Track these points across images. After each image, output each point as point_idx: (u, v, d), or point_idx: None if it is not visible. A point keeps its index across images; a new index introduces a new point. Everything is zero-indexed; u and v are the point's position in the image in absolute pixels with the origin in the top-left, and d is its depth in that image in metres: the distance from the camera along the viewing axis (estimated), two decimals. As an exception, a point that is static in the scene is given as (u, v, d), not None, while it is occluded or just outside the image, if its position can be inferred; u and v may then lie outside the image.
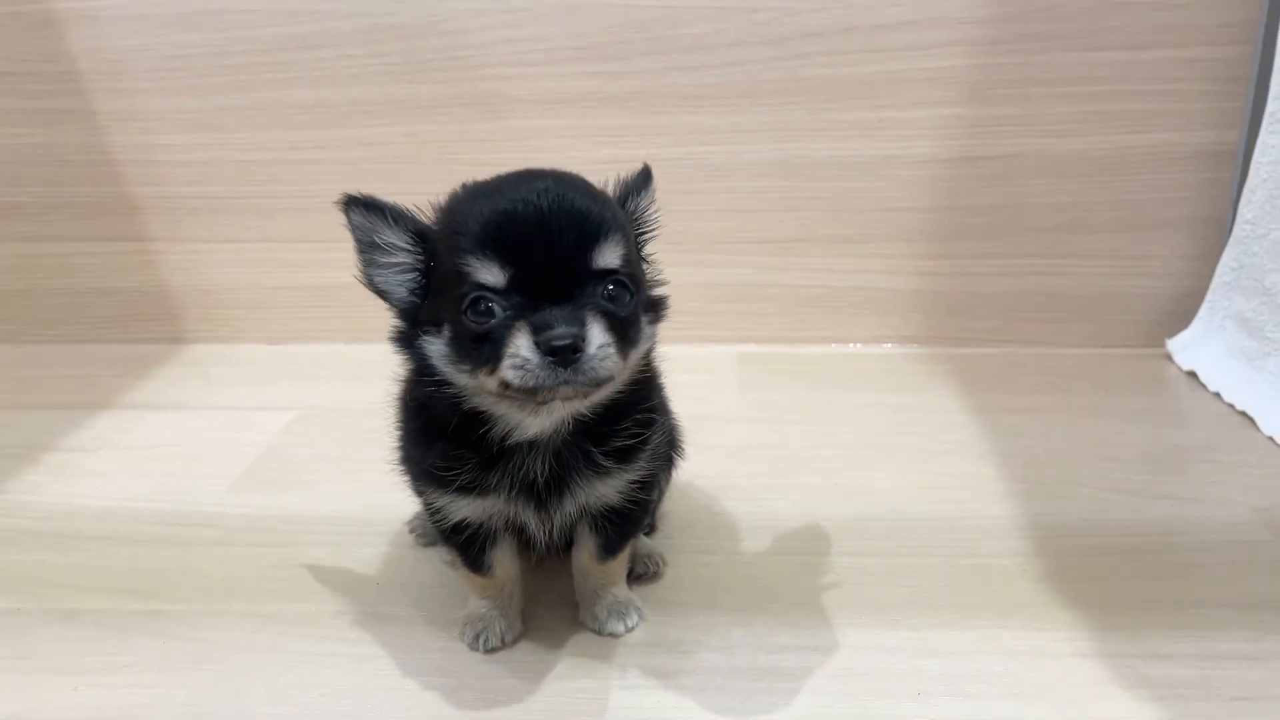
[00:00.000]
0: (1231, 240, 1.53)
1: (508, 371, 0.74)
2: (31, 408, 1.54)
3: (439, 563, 1.09)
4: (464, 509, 0.89)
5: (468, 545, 0.93)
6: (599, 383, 0.77)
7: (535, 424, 0.82)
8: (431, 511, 0.93)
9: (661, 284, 0.89)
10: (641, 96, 1.60)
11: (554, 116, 1.61)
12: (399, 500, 1.17)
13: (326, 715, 0.87)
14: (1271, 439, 1.33)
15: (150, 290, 1.75)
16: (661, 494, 1.11)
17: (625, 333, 0.78)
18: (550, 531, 0.90)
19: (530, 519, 0.89)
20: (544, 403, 0.79)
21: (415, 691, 0.89)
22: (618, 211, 0.82)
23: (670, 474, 1.10)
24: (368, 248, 0.82)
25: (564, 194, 0.76)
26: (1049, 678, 0.89)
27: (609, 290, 0.77)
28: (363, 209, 0.81)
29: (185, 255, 1.73)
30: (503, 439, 0.83)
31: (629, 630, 0.96)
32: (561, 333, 0.72)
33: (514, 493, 0.86)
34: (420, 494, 0.94)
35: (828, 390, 1.55)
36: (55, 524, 1.19)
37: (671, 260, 1.66)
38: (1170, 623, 0.97)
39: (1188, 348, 1.59)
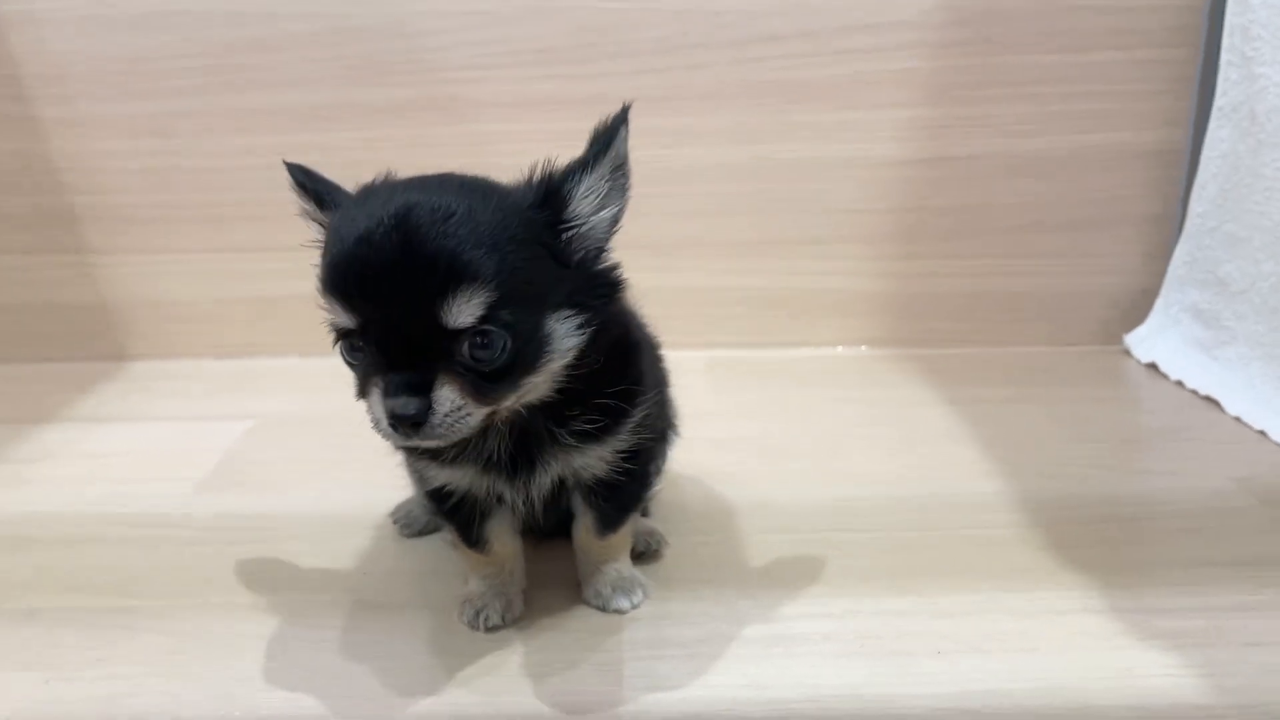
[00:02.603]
0: (1184, 235, 1.58)
1: (370, 421, 0.72)
2: (-33, 423, 1.45)
3: (425, 551, 1.05)
4: (439, 475, 0.86)
5: (458, 515, 0.89)
6: (462, 436, 0.72)
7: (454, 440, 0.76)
8: (417, 476, 0.90)
9: (615, 266, 0.82)
10: (605, 99, 1.54)
11: (517, 120, 1.59)
12: (375, 496, 1.15)
13: (318, 694, 0.81)
14: (1238, 418, 1.36)
15: (92, 305, 1.68)
16: (659, 471, 1.08)
17: (497, 384, 0.72)
18: (530, 503, 0.87)
19: (504, 490, 0.85)
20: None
21: (413, 670, 0.84)
22: (496, 245, 0.70)
23: (666, 451, 1.08)
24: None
25: (413, 233, 0.68)
26: (1064, 633, 0.89)
27: (474, 342, 0.70)
28: (297, 187, 0.80)
29: (131, 267, 1.66)
30: None
31: (634, 607, 0.93)
32: (403, 403, 0.68)
33: (482, 465, 0.83)
34: (405, 457, 0.90)
35: (799, 388, 1.55)
36: (8, 529, 1.11)
37: (637, 264, 1.66)
38: (1171, 580, 0.97)
39: (1144, 341, 1.63)
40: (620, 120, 0.79)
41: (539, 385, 0.77)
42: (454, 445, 0.81)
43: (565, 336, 0.75)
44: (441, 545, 1.05)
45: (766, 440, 1.33)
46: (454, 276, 0.68)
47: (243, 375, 1.63)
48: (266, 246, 1.64)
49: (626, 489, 0.90)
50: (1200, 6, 1.54)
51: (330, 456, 1.30)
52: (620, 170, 0.79)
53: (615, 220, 0.80)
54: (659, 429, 0.92)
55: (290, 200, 0.77)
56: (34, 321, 1.68)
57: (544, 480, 0.85)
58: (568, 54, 1.57)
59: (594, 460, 0.86)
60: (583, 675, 0.84)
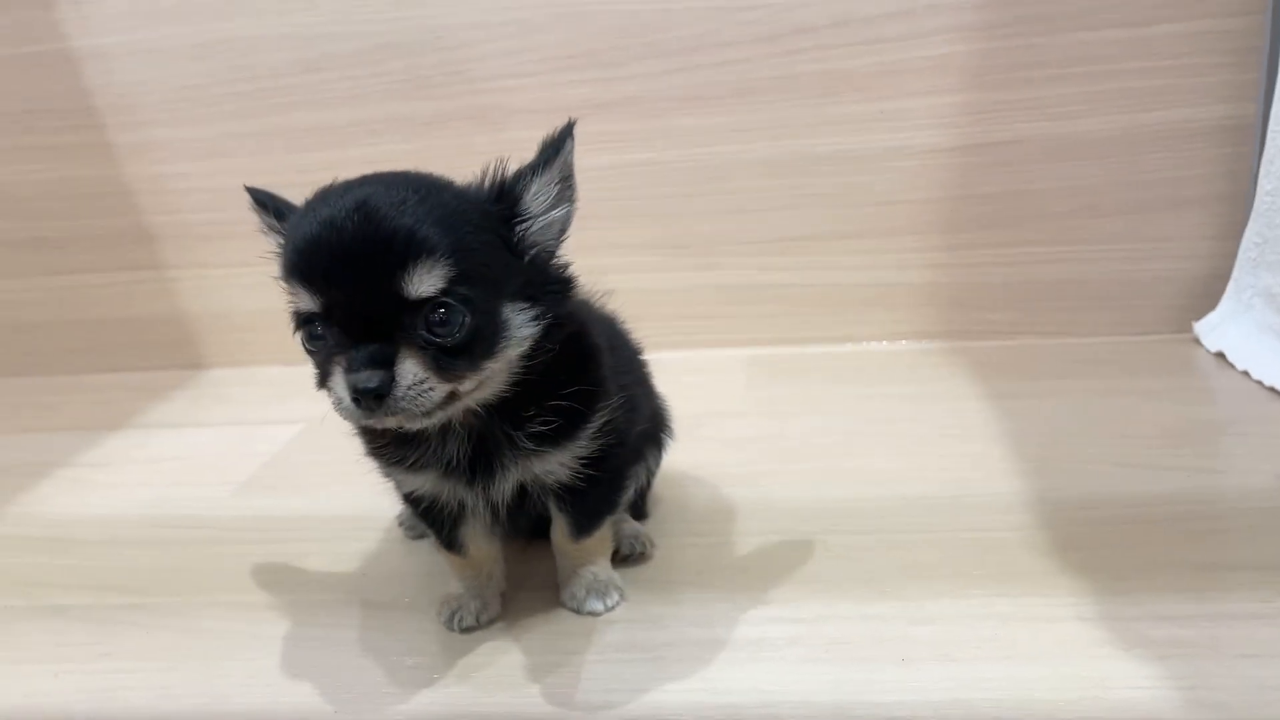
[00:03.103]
0: (1253, 214, 1.48)
1: (331, 402, 0.74)
2: (52, 430, 1.57)
3: (427, 553, 1.08)
4: (405, 482, 0.89)
5: (433, 520, 0.92)
6: (427, 413, 0.74)
7: (414, 423, 0.77)
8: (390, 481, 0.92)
9: (565, 264, 0.85)
10: (638, 101, 1.60)
11: (552, 125, 1.61)
12: (390, 500, 1.18)
13: (296, 694, 0.86)
14: (1300, 410, 1.27)
15: (168, 317, 1.79)
16: (651, 475, 1.09)
17: (456, 360, 0.74)
18: (494, 508, 0.88)
19: (465, 496, 0.87)
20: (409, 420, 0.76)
21: (387, 670, 0.88)
22: (452, 225, 0.73)
23: (659, 455, 1.08)
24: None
25: (372, 213, 0.71)
26: (1044, 641, 0.85)
27: (435, 317, 0.72)
28: (256, 205, 0.84)
29: (201, 281, 1.77)
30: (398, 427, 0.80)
31: (609, 609, 0.94)
32: (366, 376, 0.70)
33: (443, 471, 0.85)
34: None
35: (834, 385, 1.52)
36: (57, 530, 1.20)
37: (675, 264, 1.67)
38: (1179, 585, 0.92)
39: (1215, 329, 1.54)
40: (567, 132, 0.83)
41: (497, 374, 0.79)
42: (415, 450, 0.84)
43: (521, 326, 0.78)
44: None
45: (783, 439, 1.32)
46: (413, 248, 0.71)
47: (305, 381, 1.70)
48: (323, 258, 1.71)
49: (597, 494, 0.91)
50: (1265, -29, 1.44)
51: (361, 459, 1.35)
52: (568, 180, 0.84)
53: (565, 225, 0.83)
54: (626, 434, 0.92)
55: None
56: (116, 334, 1.81)
57: (504, 486, 0.86)
58: (599, 57, 1.58)
59: (554, 466, 0.87)
60: (542, 677, 0.85)
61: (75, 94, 1.67)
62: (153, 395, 1.68)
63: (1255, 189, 1.49)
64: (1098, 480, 1.14)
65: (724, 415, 1.40)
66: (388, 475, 0.90)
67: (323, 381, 0.75)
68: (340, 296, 0.72)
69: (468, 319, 0.73)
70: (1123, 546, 1.00)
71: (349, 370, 0.71)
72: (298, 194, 1.65)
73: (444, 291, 0.72)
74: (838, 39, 1.54)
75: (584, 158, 1.68)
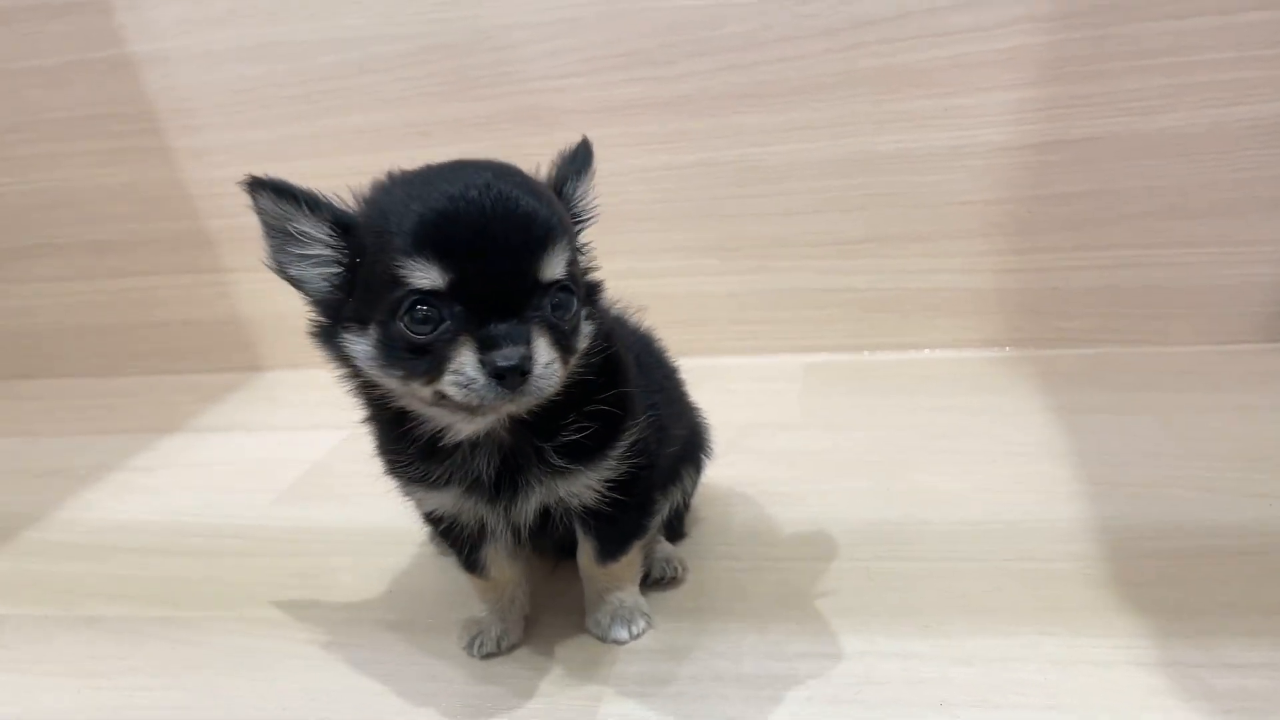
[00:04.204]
0: (1351, 215, 1.37)
1: (449, 386, 0.70)
2: (109, 433, 1.59)
3: (455, 572, 1.06)
4: (426, 500, 0.86)
5: (455, 540, 0.89)
6: (540, 399, 0.72)
7: (468, 428, 0.78)
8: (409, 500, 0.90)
9: (594, 269, 0.83)
10: (691, 100, 1.55)
11: (604, 125, 1.57)
12: (422, 515, 1.17)
13: (308, 717, 0.84)
14: (1400, 431, 1.17)
15: (229, 320, 1.80)
16: (688, 496, 1.04)
17: (568, 342, 0.74)
18: (518, 530, 0.85)
19: (486, 515, 0.84)
20: (480, 414, 0.74)
21: (405, 695, 0.86)
22: (563, 211, 0.76)
23: (696, 476, 1.04)
24: (278, 234, 0.77)
25: (508, 193, 0.70)
26: (1093, 688, 0.79)
27: (556, 300, 0.72)
28: (272, 194, 0.77)
29: (260, 285, 1.76)
30: (436, 438, 0.79)
31: (634, 637, 0.90)
32: (509, 353, 0.68)
33: (466, 488, 0.82)
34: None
35: (892, 395, 1.45)
36: (99, 538, 1.21)
37: (730, 267, 1.62)
38: (1250, 629, 0.85)
39: (1309, 338, 1.43)
40: (588, 147, 0.84)
41: (562, 377, 0.75)
42: (440, 465, 0.81)
43: (584, 325, 0.77)
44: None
45: (835, 454, 1.26)
46: (551, 231, 0.71)
47: (356, 385, 1.70)
48: (376, 261, 1.71)
49: (625, 519, 0.88)
50: (1368, -49, 1.33)
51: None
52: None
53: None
54: (655, 456, 0.88)
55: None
56: (178, 337, 1.83)
57: (527, 506, 0.83)
58: (649, 55, 1.54)
59: (580, 488, 0.83)
60: (558, 711, 0.82)
61: (136, 98, 1.68)
62: (209, 398, 1.69)
63: (1357, 188, 1.38)
64: (1170, 506, 1.06)
65: (774, 426, 1.35)
66: (408, 494, 0.87)
67: (431, 368, 0.70)
68: (476, 273, 0.69)
69: (576, 305, 0.74)
70: (1190, 583, 0.92)
71: (485, 348, 0.69)
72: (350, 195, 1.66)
73: (566, 276, 0.72)
74: (900, 32, 1.47)
75: (637, 158, 1.65)
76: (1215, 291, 1.51)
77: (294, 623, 0.98)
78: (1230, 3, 1.38)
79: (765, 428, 1.34)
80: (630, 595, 0.93)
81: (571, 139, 1.63)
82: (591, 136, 1.62)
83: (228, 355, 1.81)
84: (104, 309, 1.84)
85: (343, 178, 1.69)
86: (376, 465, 1.31)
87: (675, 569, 0.99)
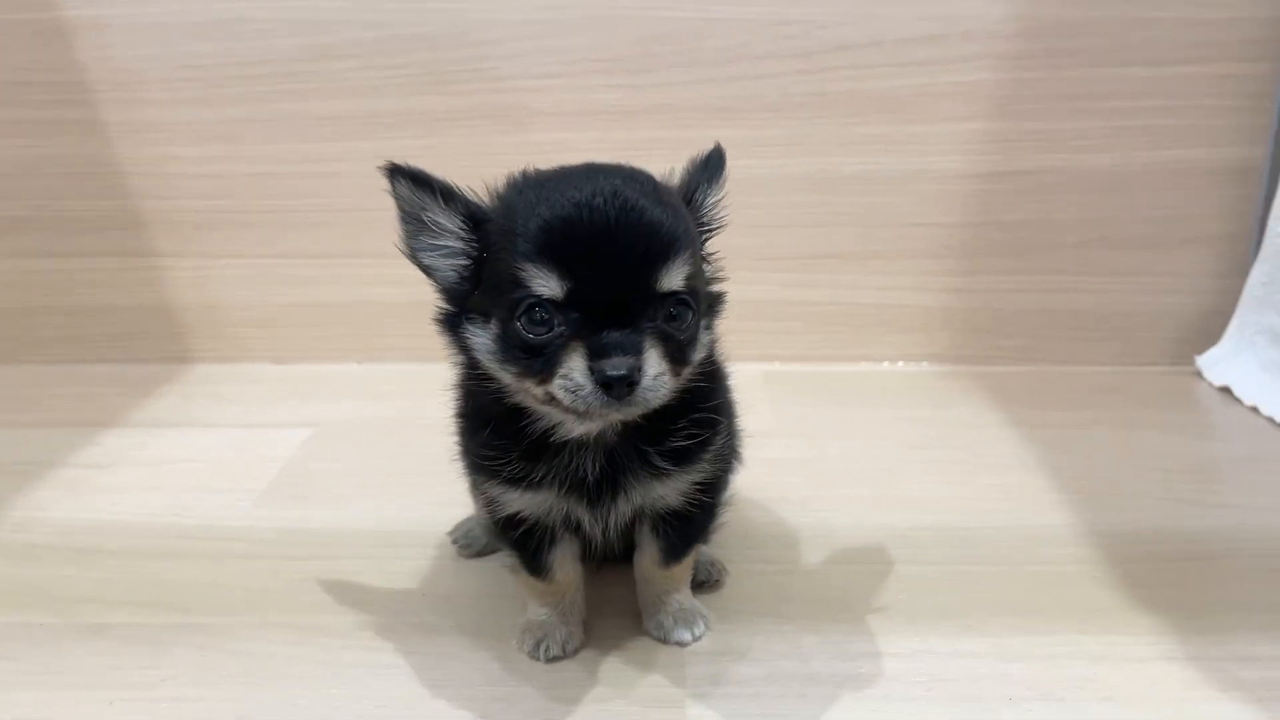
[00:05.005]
0: (1261, 255, 1.53)
1: (557, 390, 0.71)
2: (33, 426, 1.47)
3: (484, 573, 1.05)
4: (515, 502, 0.85)
5: (525, 544, 0.88)
6: (648, 409, 0.74)
7: (581, 427, 0.79)
8: (486, 503, 0.88)
9: (721, 279, 0.85)
10: (667, 110, 1.58)
11: (578, 129, 1.58)
12: (435, 513, 1.15)
13: (385, 727, 0.81)
14: (1317, 450, 1.32)
15: (155, 308, 1.69)
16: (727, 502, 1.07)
17: (682, 354, 0.74)
18: (606, 531, 0.86)
19: (584, 517, 0.84)
20: (589, 418, 0.75)
21: (480, 702, 0.84)
22: (688, 221, 0.76)
23: (730, 480, 1.06)
24: (413, 221, 0.78)
25: (633, 202, 0.70)
26: (1140, 681, 0.86)
27: (671, 311, 0.72)
28: (410, 181, 0.77)
29: (193, 271, 1.68)
30: (547, 435, 0.80)
31: (695, 639, 0.92)
32: (618, 363, 0.68)
33: (565, 489, 0.82)
34: (474, 483, 0.89)
35: (859, 407, 1.52)
36: (73, 539, 1.12)
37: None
38: (1253, 625, 0.94)
39: (1218, 363, 1.58)
40: (722, 154, 0.86)
41: (675, 386, 0.76)
42: (543, 465, 0.81)
43: (703, 335, 0.78)
44: (499, 568, 1.05)
45: (826, 462, 1.31)
46: (673, 241, 0.71)
47: (301, 381, 1.64)
48: (328, 253, 1.65)
49: (696, 520, 0.90)
50: (1283, 20, 1.49)
51: (390, 468, 1.30)
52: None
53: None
54: (730, 459, 0.91)
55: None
56: (96, 323, 1.70)
57: (625, 508, 0.84)
58: (630, 63, 1.55)
59: (671, 491, 0.85)
60: (646, 712, 0.83)
61: (67, 67, 1.56)
62: (140, 390, 1.58)
63: (1260, 229, 1.54)
64: (1145, 514, 1.16)
65: (756, 435, 1.37)
66: (494, 494, 0.85)
67: (544, 369, 0.71)
68: (594, 281, 0.70)
69: (693, 316, 0.74)
70: (1187, 584, 1.01)
71: (595, 356, 0.69)
72: (306, 185, 1.60)
73: (684, 287, 0.72)
74: (870, 59, 1.54)
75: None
76: (1135, 317, 1.66)
77: (334, 630, 0.94)
78: (1161, 56, 1.52)
79: (747, 436, 1.37)
80: (687, 598, 0.94)
81: (545, 140, 1.64)
82: (564, 140, 1.64)
83: (153, 345, 1.71)
84: (11, 290, 1.69)
85: (297, 165, 1.66)
86: (359, 466, 1.30)
87: (719, 572, 1.01)
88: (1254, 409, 1.46)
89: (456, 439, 0.90)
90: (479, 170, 1.70)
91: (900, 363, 1.68)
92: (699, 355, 0.78)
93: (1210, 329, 1.63)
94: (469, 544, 1.07)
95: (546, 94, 1.57)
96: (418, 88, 1.57)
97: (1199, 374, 1.61)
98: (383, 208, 1.70)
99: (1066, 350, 1.67)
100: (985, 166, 1.59)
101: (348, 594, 1.01)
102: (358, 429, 1.44)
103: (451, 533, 1.10)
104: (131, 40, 1.55)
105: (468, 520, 1.10)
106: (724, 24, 1.53)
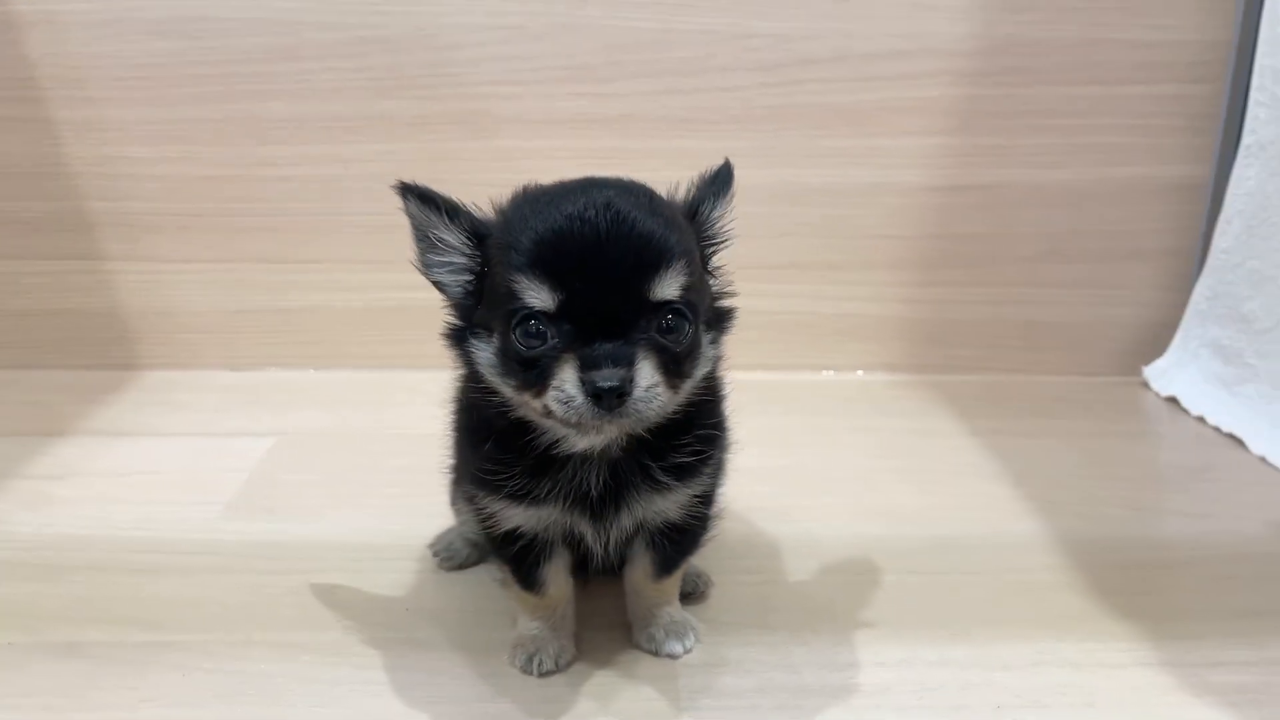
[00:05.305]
0: (1206, 270, 1.59)
1: (551, 402, 0.71)
2: (-22, 434, 1.41)
3: (468, 586, 1.04)
4: (515, 517, 0.84)
5: (520, 559, 0.87)
6: (644, 422, 0.74)
7: (584, 441, 0.79)
8: (483, 519, 0.87)
9: (730, 295, 0.86)
10: (632, 119, 1.58)
11: (543, 137, 1.57)
12: (413, 524, 1.14)
13: (381, 746, 0.80)
14: (1263, 459, 1.37)
15: (104, 312, 1.64)
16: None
17: (679, 366, 0.74)
18: (607, 545, 0.86)
19: (586, 531, 0.84)
20: (585, 432, 0.76)
21: (474, 718, 0.83)
22: (684, 232, 0.76)
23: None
24: (424, 239, 0.78)
25: (625, 213, 0.71)
26: (1119, 687, 0.89)
27: (666, 322, 0.72)
28: (417, 199, 0.77)
29: (143, 275, 1.63)
30: (551, 449, 0.79)
31: (686, 651, 0.92)
32: (608, 374, 0.69)
33: (567, 504, 0.82)
34: (471, 498, 0.88)
35: (821, 415, 1.54)
36: (36, 554, 1.08)
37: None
38: (1219, 631, 0.97)
39: (1164, 374, 1.64)
40: (730, 170, 0.85)
41: (679, 399, 0.76)
42: (547, 480, 0.81)
43: (707, 347, 0.79)
44: (483, 581, 1.04)
45: (796, 472, 1.32)
46: (665, 251, 0.71)
47: (259, 389, 1.61)
48: (284, 258, 1.62)
49: (693, 531, 0.90)
50: (1227, 44, 1.54)
51: (361, 479, 1.28)
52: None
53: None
54: (722, 472, 0.92)
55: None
56: (42, 327, 1.64)
57: (627, 522, 0.84)
58: (595, 72, 1.55)
59: (673, 505, 0.86)
60: (646, 727, 0.83)
61: (13, 63, 1.51)
62: (89, 398, 1.53)
63: (1205, 246, 1.60)
64: (1108, 523, 1.20)
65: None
66: (493, 510, 0.84)
67: (539, 381, 0.71)
68: (586, 292, 0.70)
69: (690, 328, 0.74)
70: (1155, 591, 1.05)
71: (586, 367, 0.69)
72: (262, 188, 1.57)
73: (679, 298, 0.72)
74: (834, 73, 1.56)
75: (570, 173, 1.65)
76: (1085, 328, 1.70)
77: (319, 646, 0.92)
78: (1113, 75, 1.57)
79: (718, 444, 1.38)
80: (677, 610, 0.95)
81: (509, 147, 1.63)
82: (527, 148, 1.64)
83: (99, 352, 1.65)
84: (-55, 293, 1.63)
85: (254, 169, 1.63)
86: (328, 477, 1.28)
87: (705, 583, 1.02)
88: (1201, 419, 1.52)
89: (453, 454, 0.89)
90: (443, 176, 1.68)
91: (859, 372, 1.71)
92: (701, 369, 0.78)
93: (1156, 341, 1.69)
94: (450, 556, 1.06)
95: (510, 101, 1.56)
96: (380, 91, 1.55)
97: (1146, 384, 1.67)
98: (342, 213, 1.68)
99: (1019, 360, 1.71)
100: (944, 180, 1.62)
101: (330, 609, 0.99)
102: (322, 438, 1.41)
103: (432, 545, 1.09)
104: (84, 37, 1.51)
105: (448, 532, 1.09)
106: (689, 35, 1.54)
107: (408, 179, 0.78)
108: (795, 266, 1.66)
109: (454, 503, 1.06)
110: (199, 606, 0.99)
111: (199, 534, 1.13)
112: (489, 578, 1.02)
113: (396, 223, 0.79)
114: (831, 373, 1.70)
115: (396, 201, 1.59)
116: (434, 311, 1.75)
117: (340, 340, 1.66)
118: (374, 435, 1.42)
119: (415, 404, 1.53)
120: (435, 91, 1.55)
